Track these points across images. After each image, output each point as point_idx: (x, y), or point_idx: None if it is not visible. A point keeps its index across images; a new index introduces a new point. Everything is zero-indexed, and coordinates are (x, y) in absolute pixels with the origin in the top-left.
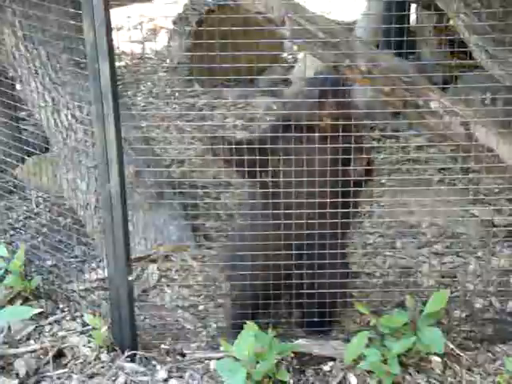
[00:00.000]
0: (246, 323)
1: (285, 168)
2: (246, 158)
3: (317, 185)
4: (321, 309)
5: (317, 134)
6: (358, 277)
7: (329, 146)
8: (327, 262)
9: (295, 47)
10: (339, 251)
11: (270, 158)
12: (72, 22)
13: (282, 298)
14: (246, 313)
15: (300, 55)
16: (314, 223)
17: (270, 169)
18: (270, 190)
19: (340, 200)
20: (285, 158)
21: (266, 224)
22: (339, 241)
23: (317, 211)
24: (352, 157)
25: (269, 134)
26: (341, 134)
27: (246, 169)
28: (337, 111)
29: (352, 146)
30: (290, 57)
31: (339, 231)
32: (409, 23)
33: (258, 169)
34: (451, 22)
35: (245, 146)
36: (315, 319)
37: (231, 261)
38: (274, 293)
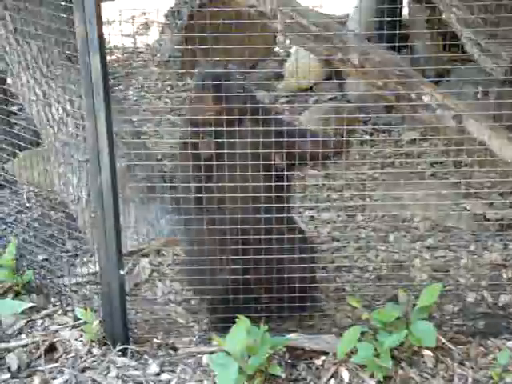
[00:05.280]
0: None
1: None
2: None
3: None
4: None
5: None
6: (351, 271)
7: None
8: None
9: (287, 41)
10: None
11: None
12: (63, 16)
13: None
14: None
15: (292, 49)
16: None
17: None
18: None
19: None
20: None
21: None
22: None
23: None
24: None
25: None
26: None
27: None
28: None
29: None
30: (283, 51)
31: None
32: (401, 16)
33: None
34: (444, 16)
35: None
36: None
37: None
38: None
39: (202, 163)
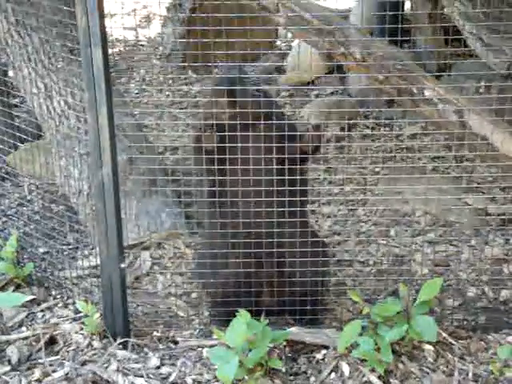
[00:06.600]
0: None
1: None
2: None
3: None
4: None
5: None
6: (351, 265)
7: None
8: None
9: (289, 34)
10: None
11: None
12: (65, 8)
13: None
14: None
15: (294, 42)
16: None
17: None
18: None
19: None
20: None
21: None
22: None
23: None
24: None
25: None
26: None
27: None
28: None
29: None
30: (285, 44)
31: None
32: (403, 10)
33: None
34: (446, 10)
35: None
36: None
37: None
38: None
39: (213, 156)
